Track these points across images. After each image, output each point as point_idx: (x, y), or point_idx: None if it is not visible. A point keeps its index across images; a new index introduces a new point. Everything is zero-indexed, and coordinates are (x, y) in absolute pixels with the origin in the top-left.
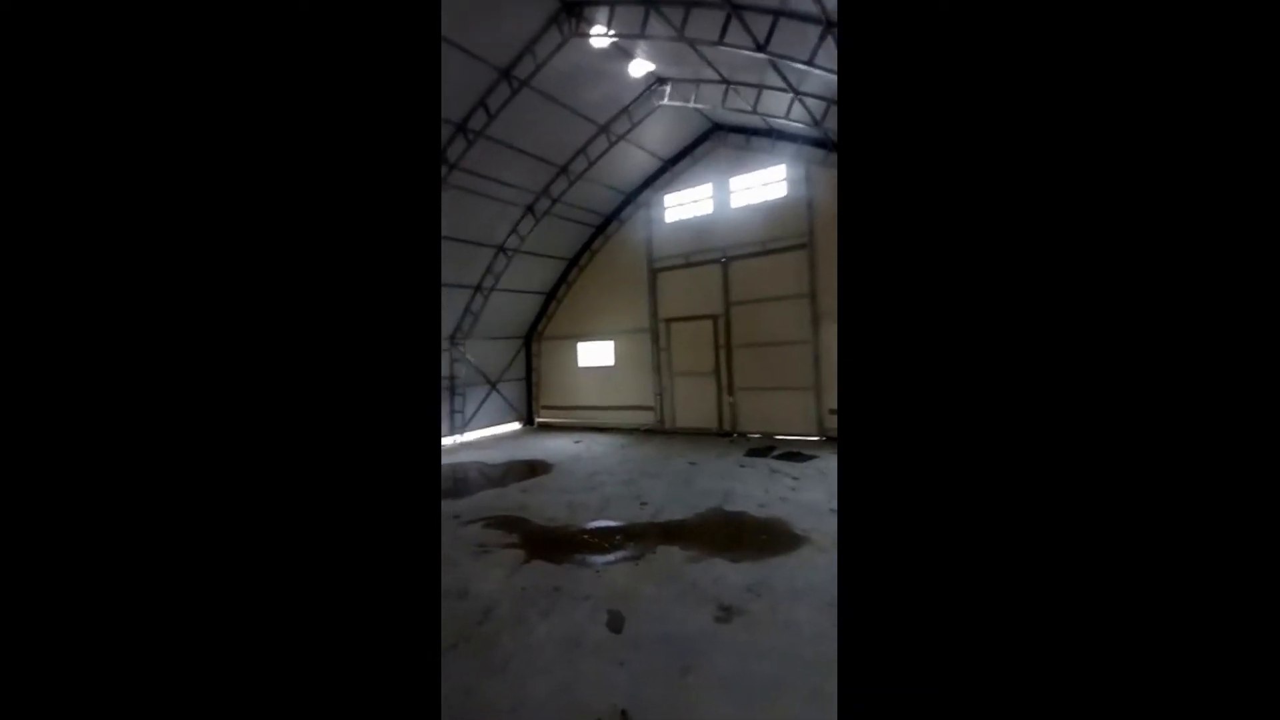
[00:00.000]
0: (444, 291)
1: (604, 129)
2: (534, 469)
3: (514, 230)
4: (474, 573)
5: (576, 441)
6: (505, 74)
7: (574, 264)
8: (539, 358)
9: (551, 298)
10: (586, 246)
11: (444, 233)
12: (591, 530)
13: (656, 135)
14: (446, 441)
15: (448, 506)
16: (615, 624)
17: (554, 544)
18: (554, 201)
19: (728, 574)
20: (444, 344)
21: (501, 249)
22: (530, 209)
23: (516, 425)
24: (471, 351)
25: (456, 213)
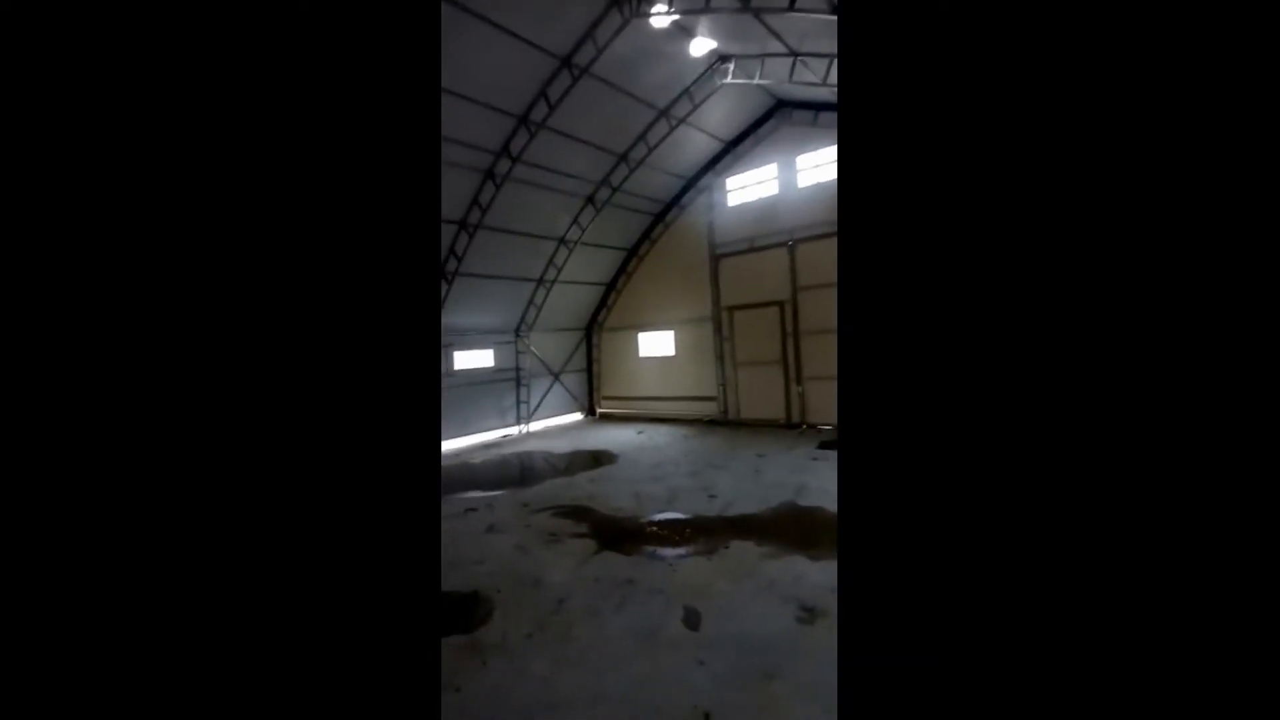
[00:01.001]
0: (509, 285)
1: (664, 113)
2: (598, 459)
3: (575, 221)
4: (545, 561)
5: (639, 432)
6: (565, 62)
7: (633, 254)
8: (599, 349)
9: (611, 288)
10: (646, 235)
11: (507, 226)
12: (660, 522)
13: (718, 116)
14: (512, 431)
15: (517, 495)
16: (692, 621)
17: (623, 535)
18: (614, 190)
19: (809, 572)
20: (509, 337)
21: (563, 241)
22: (590, 199)
23: (579, 416)
24: (534, 344)
25: (518, 206)
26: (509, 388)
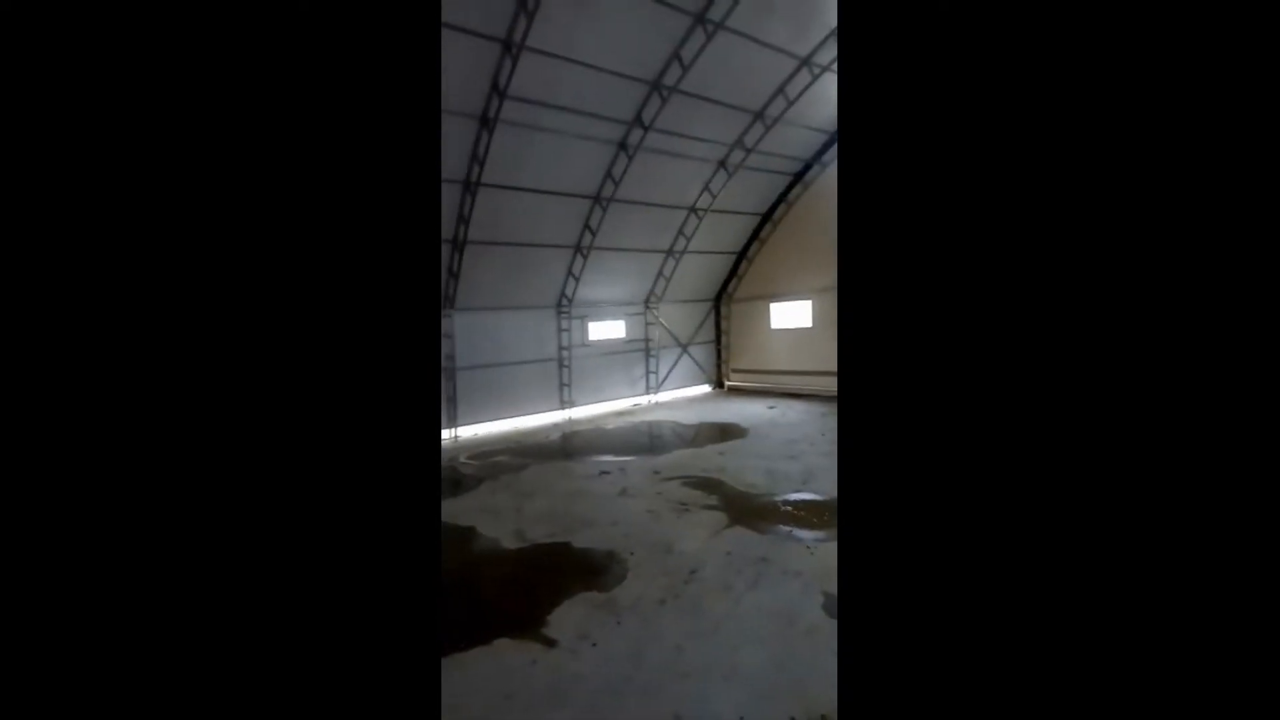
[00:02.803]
0: (639, 257)
1: (805, 61)
2: (726, 432)
3: (705, 188)
4: (677, 530)
5: (770, 407)
6: (700, 18)
7: (767, 219)
8: (728, 320)
9: (742, 257)
10: (782, 198)
11: (638, 198)
12: (795, 502)
13: None
14: (642, 400)
15: (647, 462)
16: (833, 609)
17: (755, 512)
18: (748, 152)
19: None
20: (639, 308)
21: (693, 209)
22: (723, 164)
23: (706, 388)
24: (663, 315)
25: (649, 177)
26: (639, 358)
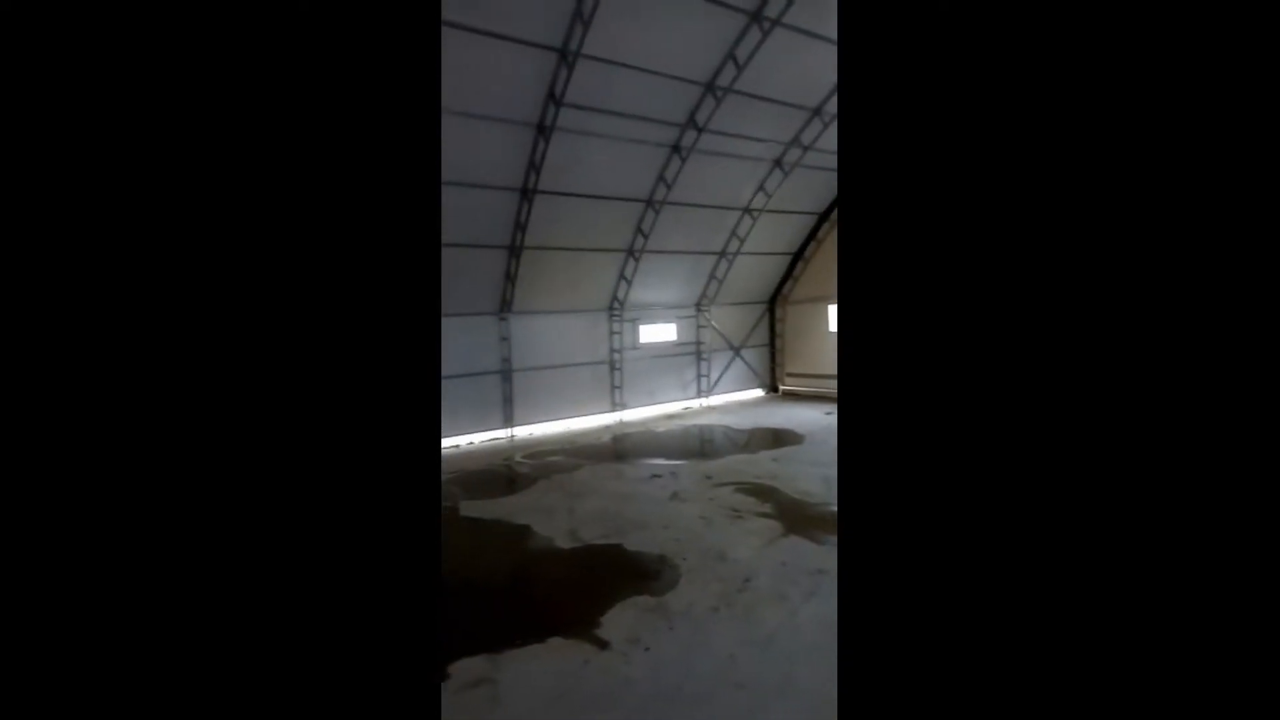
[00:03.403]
0: (690, 259)
1: None
2: (780, 438)
3: (760, 188)
4: (730, 536)
5: (828, 413)
6: (755, 16)
7: (824, 218)
8: (783, 322)
9: (798, 258)
10: None
11: (691, 200)
12: None
13: None
14: (693, 404)
15: (699, 466)
16: None
17: (811, 521)
18: (805, 150)
19: None
20: (691, 311)
21: (747, 210)
22: (778, 162)
23: (759, 392)
24: (715, 318)
25: (702, 178)
26: (690, 361)
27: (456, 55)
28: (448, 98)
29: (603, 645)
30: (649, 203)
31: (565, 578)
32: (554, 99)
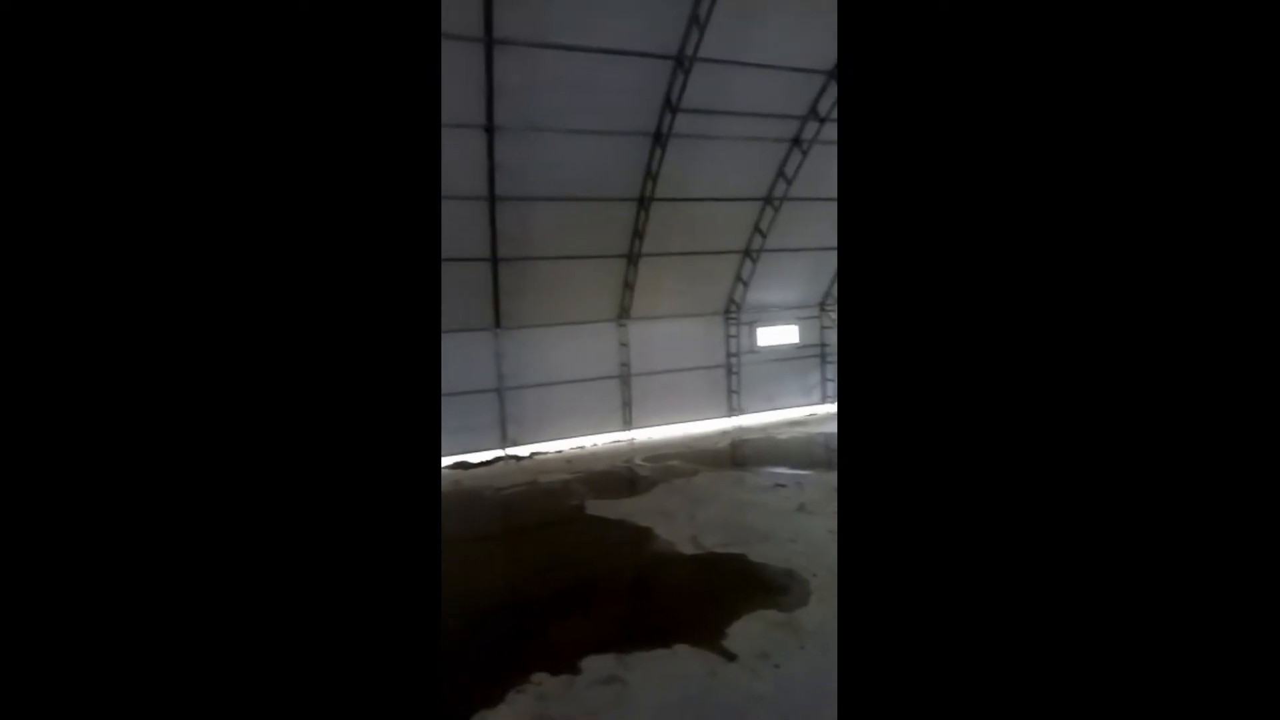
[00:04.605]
0: (811, 257)
1: None
2: None
3: None
4: None
5: None
6: None
7: None
8: None
9: None
10: None
11: (811, 194)
12: None
13: None
14: (817, 410)
15: (825, 477)
16: None
17: None
18: None
19: None
20: (813, 311)
21: None
22: None
23: None
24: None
25: (825, 171)
26: (813, 364)
27: (573, 74)
28: (563, 117)
29: (730, 657)
30: (767, 200)
31: (688, 584)
32: (670, 106)
